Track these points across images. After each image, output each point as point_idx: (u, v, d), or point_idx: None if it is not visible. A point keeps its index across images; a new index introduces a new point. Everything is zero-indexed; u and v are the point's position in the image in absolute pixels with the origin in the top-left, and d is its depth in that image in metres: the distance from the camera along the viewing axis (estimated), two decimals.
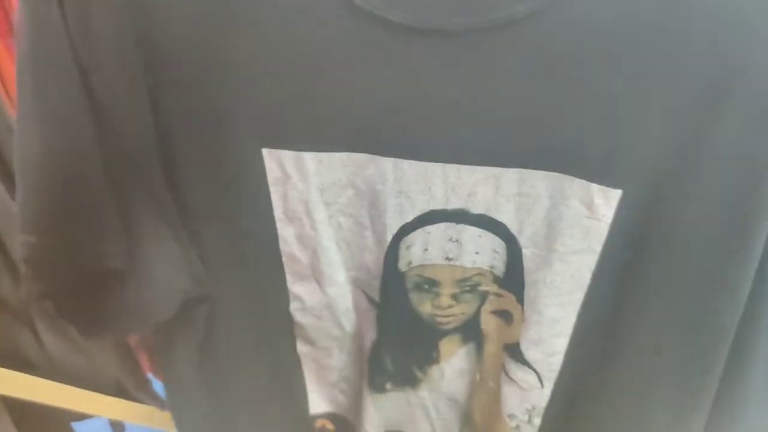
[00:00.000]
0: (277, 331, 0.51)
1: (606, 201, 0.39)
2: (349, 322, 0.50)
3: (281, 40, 0.37)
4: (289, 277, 0.48)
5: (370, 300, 0.49)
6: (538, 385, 0.48)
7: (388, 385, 0.53)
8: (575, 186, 0.39)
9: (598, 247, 0.41)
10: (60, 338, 0.64)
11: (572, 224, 0.40)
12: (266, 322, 0.51)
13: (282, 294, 0.49)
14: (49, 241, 0.41)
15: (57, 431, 0.80)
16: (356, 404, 0.56)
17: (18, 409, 0.69)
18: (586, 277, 0.42)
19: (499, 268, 0.45)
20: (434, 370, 0.51)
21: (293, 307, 0.50)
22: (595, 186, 0.38)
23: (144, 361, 0.77)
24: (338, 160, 0.41)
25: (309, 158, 0.41)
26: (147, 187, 0.42)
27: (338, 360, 0.54)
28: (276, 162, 0.42)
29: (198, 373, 0.53)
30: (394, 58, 0.37)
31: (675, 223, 0.39)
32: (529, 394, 0.48)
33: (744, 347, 0.40)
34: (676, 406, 0.44)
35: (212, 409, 0.56)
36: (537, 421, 0.50)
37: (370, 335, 0.50)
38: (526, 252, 0.43)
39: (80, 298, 0.45)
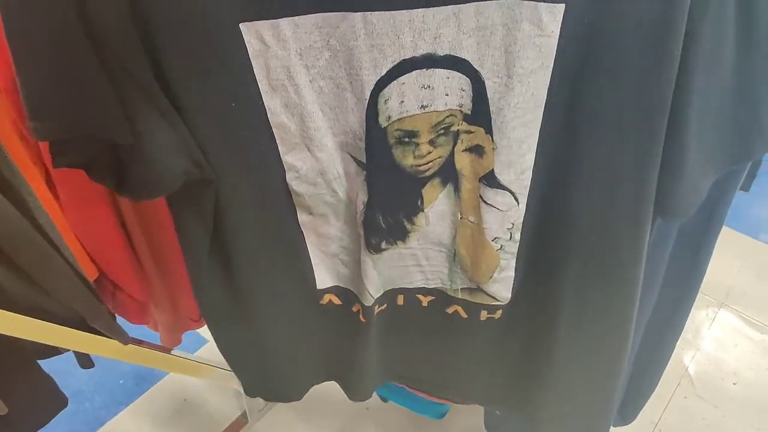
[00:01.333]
0: (278, 203, 0.55)
1: (552, 17, 0.44)
2: (341, 187, 0.54)
3: None
4: (281, 148, 0.51)
5: (359, 163, 0.53)
6: (515, 203, 0.54)
7: (383, 244, 0.58)
8: (524, 9, 0.44)
9: (550, 63, 0.46)
10: (11, 271, 0.63)
11: (525, 45, 0.45)
12: (267, 197, 0.54)
13: (277, 166, 0.52)
14: (55, 124, 0.44)
15: (22, 369, 0.80)
16: (357, 272, 0.61)
17: None
18: (543, 94, 0.48)
19: (467, 105, 0.50)
20: (420, 219, 0.57)
21: (289, 177, 0.53)
22: (542, 5, 0.43)
23: (108, 300, 0.79)
24: (312, 22, 0.44)
25: (285, 24, 0.43)
26: (134, 76, 0.43)
27: (336, 228, 0.58)
28: (254, 35, 0.44)
29: (211, 257, 0.56)
30: None
31: (612, 30, 0.45)
32: (507, 215, 0.55)
33: (678, 120, 0.48)
34: (630, 183, 0.52)
35: (228, 290, 0.61)
36: (517, 236, 0.57)
37: (362, 198, 0.55)
38: (489, 83, 0.48)
39: (102, 167, 0.48)
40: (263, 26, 0.43)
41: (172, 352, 0.93)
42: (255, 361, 0.73)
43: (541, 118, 0.49)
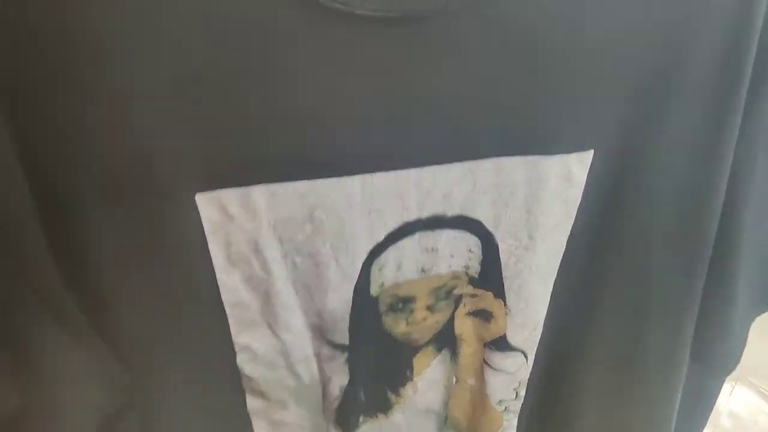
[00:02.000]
0: (221, 391, 0.43)
1: (581, 165, 0.37)
2: (307, 371, 0.43)
3: (216, 43, 0.28)
4: (234, 329, 0.40)
5: (336, 346, 0.42)
6: (524, 361, 0.46)
7: (361, 418, 0.47)
8: (553, 163, 0.37)
9: (573, 212, 0.40)
10: None
11: (551, 202, 0.38)
12: (210, 384, 0.42)
13: (226, 349, 0.40)
14: None
15: None
16: None
17: None
18: (562, 243, 0.41)
19: (474, 267, 0.41)
20: (408, 389, 0.47)
21: (241, 359, 0.41)
22: (572, 156, 0.37)
23: None
24: (295, 192, 0.33)
25: (258, 193, 0.33)
26: (36, 288, 0.31)
27: (295, 414, 0.46)
28: (215, 206, 0.33)
29: None
30: (355, 56, 0.31)
31: (642, 177, 0.39)
32: (516, 375, 0.47)
33: (724, 278, 0.42)
34: (653, 345, 0.45)
35: None
36: (522, 392, 0.49)
37: (339, 382, 0.44)
38: (503, 246, 0.40)
39: None
40: (228, 195, 0.33)
41: None
42: None
43: (557, 268, 0.42)
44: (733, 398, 1.49)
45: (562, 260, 0.42)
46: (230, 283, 0.37)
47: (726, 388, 1.49)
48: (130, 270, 0.33)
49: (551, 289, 0.43)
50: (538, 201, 0.38)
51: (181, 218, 0.32)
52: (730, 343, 0.46)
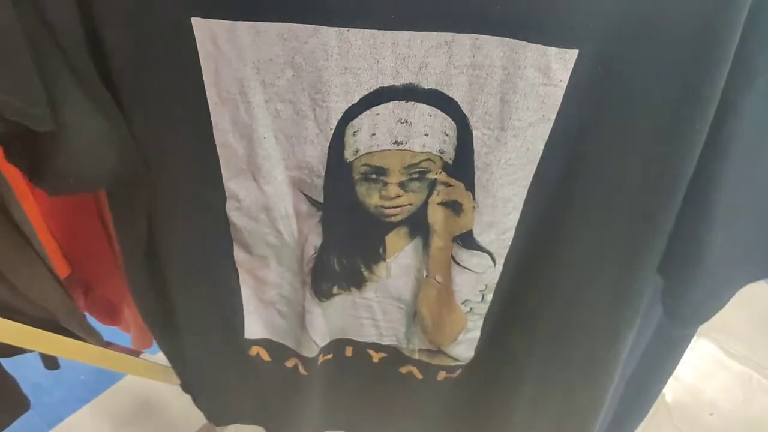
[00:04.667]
0: (214, 232, 0.48)
1: (563, 64, 0.37)
2: (287, 228, 0.47)
3: None
4: (225, 172, 0.44)
5: (313, 202, 0.45)
6: (491, 264, 0.47)
7: (335, 289, 0.51)
8: (531, 52, 0.36)
9: (552, 116, 0.39)
10: None
11: (527, 95, 0.38)
12: (203, 222, 0.48)
13: (219, 190, 0.46)
14: None
15: None
16: (296, 324, 0.54)
17: None
18: (539, 149, 0.41)
19: (449, 153, 0.42)
20: (381, 268, 0.50)
21: (229, 206, 0.46)
22: (552, 50, 0.36)
23: (79, 299, 0.73)
24: (276, 32, 0.37)
25: (244, 29, 0.37)
26: (66, 51, 0.37)
27: (276, 273, 0.51)
28: (207, 34, 0.37)
29: (145, 265, 0.51)
30: None
31: (627, 84, 0.38)
32: (482, 276, 0.48)
33: (702, 210, 0.40)
34: (623, 264, 0.45)
35: (160, 303, 0.55)
36: (489, 297, 0.50)
37: (313, 241, 0.47)
38: (477, 134, 0.41)
39: (21, 149, 0.41)
40: (217, 26, 0.36)
41: (142, 355, 0.87)
42: (188, 373, 0.66)
43: (532, 174, 0.42)
44: (695, 352, 1.55)
45: (538, 167, 0.42)
46: (220, 122, 0.41)
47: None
48: (138, 76, 0.39)
49: (524, 196, 0.44)
50: (515, 90, 0.38)
51: (181, 40, 0.37)
52: (698, 289, 0.44)
